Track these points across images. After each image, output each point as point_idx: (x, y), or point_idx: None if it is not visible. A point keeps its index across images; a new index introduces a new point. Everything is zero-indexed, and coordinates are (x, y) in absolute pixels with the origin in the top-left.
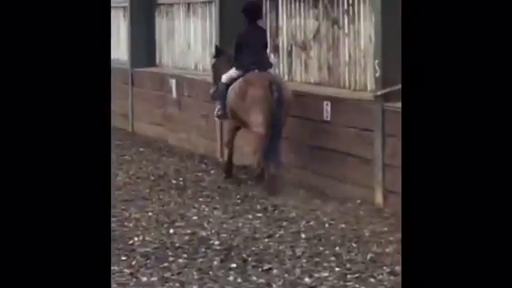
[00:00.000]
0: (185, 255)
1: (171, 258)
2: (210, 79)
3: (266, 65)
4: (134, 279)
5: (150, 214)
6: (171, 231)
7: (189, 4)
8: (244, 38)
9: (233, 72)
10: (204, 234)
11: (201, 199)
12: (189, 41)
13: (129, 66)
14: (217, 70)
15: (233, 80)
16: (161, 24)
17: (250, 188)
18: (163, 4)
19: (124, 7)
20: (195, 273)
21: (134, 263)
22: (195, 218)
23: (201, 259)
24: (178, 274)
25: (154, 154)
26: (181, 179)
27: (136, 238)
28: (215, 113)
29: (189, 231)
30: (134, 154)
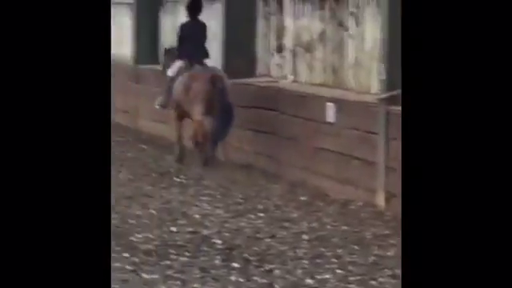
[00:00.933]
0: (187, 253)
1: (173, 256)
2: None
3: (203, 55)
4: (137, 277)
5: (153, 211)
6: (173, 229)
7: None
8: (185, 31)
9: (177, 64)
10: (206, 232)
11: (203, 198)
12: None
13: (132, 62)
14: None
15: (177, 72)
16: (166, 21)
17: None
18: (168, 1)
19: (129, 4)
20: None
21: (136, 260)
22: (197, 216)
23: (203, 257)
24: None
25: (157, 151)
26: (183, 177)
27: (138, 235)
28: (157, 102)
29: (191, 229)
30: (137, 151)
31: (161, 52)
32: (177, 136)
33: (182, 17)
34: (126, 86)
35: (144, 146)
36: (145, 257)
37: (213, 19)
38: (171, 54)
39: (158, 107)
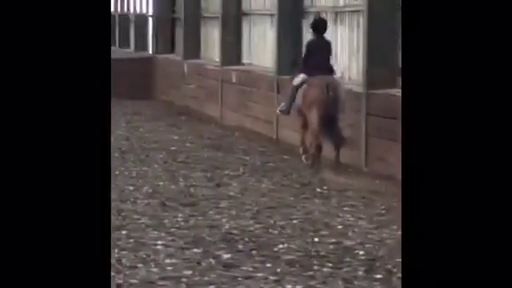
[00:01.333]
0: (330, 264)
1: (316, 267)
2: (356, 88)
3: (327, 70)
4: (279, 287)
5: (295, 221)
6: (316, 239)
7: (336, 13)
8: (311, 47)
9: (301, 76)
10: (349, 243)
11: (345, 208)
12: (336, 49)
13: (275, 73)
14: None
15: (301, 82)
16: (308, 32)
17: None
18: (311, 12)
19: (271, 15)
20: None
21: (278, 270)
22: (340, 226)
23: (346, 268)
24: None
25: (299, 161)
26: (325, 188)
27: (281, 246)
28: (279, 108)
29: (333, 240)
30: (279, 161)
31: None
32: (300, 142)
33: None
34: (267, 97)
35: (286, 157)
36: (288, 267)
37: (354, 30)
38: (296, 66)
39: (279, 112)
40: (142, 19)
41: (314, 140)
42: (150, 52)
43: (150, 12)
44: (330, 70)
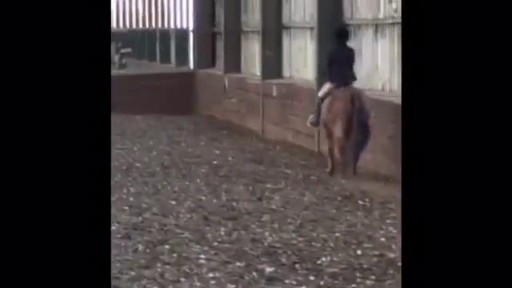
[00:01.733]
0: (373, 276)
1: (359, 280)
2: (396, 100)
3: (350, 78)
4: None
5: (338, 234)
6: (359, 252)
7: (377, 25)
8: (334, 56)
9: (325, 86)
10: (392, 255)
11: (388, 221)
12: (376, 62)
13: (316, 86)
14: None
15: (326, 93)
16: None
17: None
18: (351, 24)
19: (311, 28)
20: None
21: (322, 283)
22: (383, 239)
23: (389, 281)
24: None
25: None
26: (367, 200)
27: (324, 259)
28: (308, 120)
29: (376, 252)
30: (321, 174)
31: None
32: (328, 152)
33: (365, 39)
34: (308, 110)
35: (327, 170)
36: (331, 280)
37: (395, 42)
38: (323, 77)
39: (309, 125)
40: (182, 34)
41: (339, 150)
42: (191, 67)
43: (191, 27)
44: (353, 78)
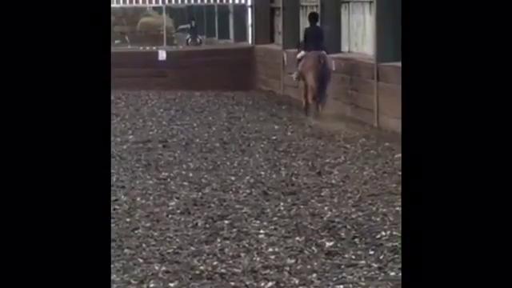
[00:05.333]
0: None
1: None
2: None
3: (319, 48)
4: (382, 274)
5: (397, 208)
6: None
7: None
8: (307, 33)
9: (302, 52)
10: None
11: None
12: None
13: (375, 60)
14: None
15: (302, 56)
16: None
17: None
18: None
19: (370, 2)
20: None
21: (381, 258)
22: None
23: None
24: None
25: (401, 148)
26: None
27: (383, 233)
28: (294, 76)
29: None
30: (381, 149)
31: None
32: (304, 98)
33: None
34: (367, 84)
35: (387, 144)
36: (391, 254)
37: None
38: (301, 46)
39: (294, 79)
40: (241, 9)
41: (311, 94)
42: (250, 42)
43: (249, 2)
44: (322, 48)
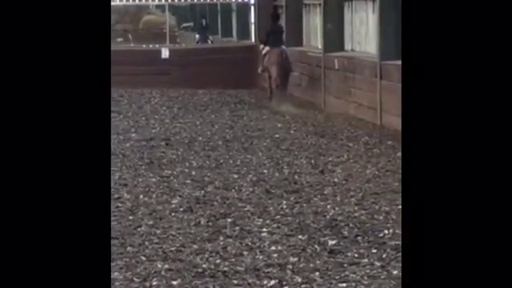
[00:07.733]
0: None
1: None
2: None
3: (280, 44)
4: (385, 272)
5: (400, 207)
6: None
7: None
8: (270, 30)
9: (266, 48)
10: None
11: None
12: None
13: (377, 59)
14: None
15: (266, 51)
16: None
17: None
18: None
19: (373, 0)
20: None
21: (384, 256)
22: None
23: None
24: None
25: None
26: None
27: (386, 231)
28: (259, 69)
29: None
30: (383, 147)
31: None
32: (268, 87)
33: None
34: (370, 83)
35: (390, 142)
36: (394, 253)
37: None
38: (266, 42)
39: (260, 72)
40: (244, 7)
41: (274, 83)
42: (253, 40)
43: (252, 0)
44: (282, 44)
